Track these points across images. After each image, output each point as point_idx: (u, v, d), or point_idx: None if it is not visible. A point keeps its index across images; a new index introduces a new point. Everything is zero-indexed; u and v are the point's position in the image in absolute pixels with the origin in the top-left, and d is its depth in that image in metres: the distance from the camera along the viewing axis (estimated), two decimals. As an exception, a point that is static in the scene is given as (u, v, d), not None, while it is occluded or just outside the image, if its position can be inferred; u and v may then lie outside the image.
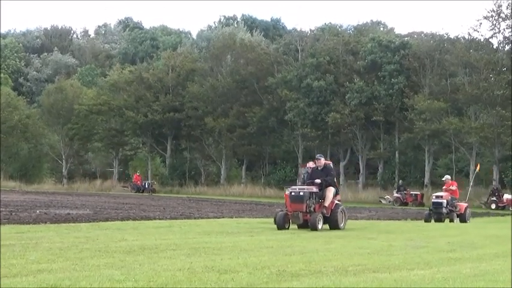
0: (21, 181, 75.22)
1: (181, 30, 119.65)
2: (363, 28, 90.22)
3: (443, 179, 34.41)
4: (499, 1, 59.56)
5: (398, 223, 30.69)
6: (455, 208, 32.61)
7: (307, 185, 22.17)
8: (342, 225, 22.11)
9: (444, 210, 32.15)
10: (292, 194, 21.81)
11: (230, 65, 74.68)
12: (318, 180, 22.11)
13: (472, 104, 60.83)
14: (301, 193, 21.69)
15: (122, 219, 25.25)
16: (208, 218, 29.43)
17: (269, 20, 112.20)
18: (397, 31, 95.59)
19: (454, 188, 33.20)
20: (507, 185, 60.48)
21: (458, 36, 64.66)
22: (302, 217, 21.55)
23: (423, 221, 31.99)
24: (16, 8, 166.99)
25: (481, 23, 60.89)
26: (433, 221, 31.94)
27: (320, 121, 65.82)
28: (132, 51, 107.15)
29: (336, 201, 22.24)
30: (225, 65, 74.82)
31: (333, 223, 21.90)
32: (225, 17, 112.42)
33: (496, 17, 59.97)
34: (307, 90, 66.03)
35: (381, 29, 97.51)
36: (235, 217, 30.79)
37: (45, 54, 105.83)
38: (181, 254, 12.97)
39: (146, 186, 68.08)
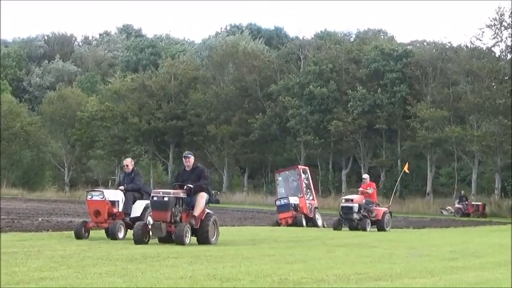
0: (23, 189, 75.19)
1: (185, 39, 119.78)
2: (364, 36, 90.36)
3: (363, 177, 30.61)
4: (501, 10, 59.77)
5: (400, 231, 30.66)
6: (371, 214, 28.37)
7: (172, 188, 18.18)
8: (213, 239, 18.04)
9: (356, 216, 27.93)
10: (155, 199, 17.64)
11: (232, 73, 74.88)
12: (189, 186, 17.95)
13: (475, 112, 60.89)
14: (166, 198, 17.53)
15: (124, 227, 25.18)
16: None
17: (272, 28, 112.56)
18: (399, 39, 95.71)
19: (371, 190, 29.02)
20: (509, 193, 60.44)
21: (461, 45, 64.88)
22: (165, 228, 17.48)
23: (332, 229, 28.26)
24: (19, 14, 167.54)
25: (483, 32, 61.19)
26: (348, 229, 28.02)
27: (322, 129, 65.90)
28: (134, 59, 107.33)
29: (207, 210, 18.31)
30: (227, 73, 75.01)
31: (202, 236, 17.91)
32: (231, 25, 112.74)
33: (499, 26, 60.15)
34: (309, 97, 66.15)
35: (382, 37, 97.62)
36: (237, 225, 30.78)
37: (46, 62, 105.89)
38: (183, 262, 12.96)
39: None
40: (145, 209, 19.15)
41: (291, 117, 66.91)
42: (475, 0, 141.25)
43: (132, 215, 19.25)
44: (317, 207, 33.70)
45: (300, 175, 33.75)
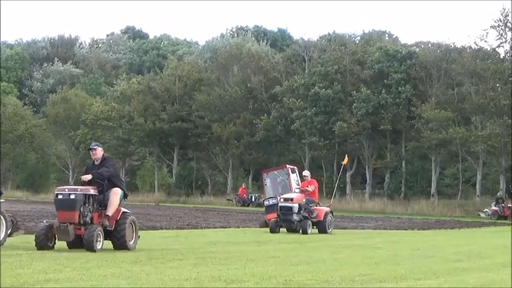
0: (28, 191, 75.26)
1: (188, 40, 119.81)
2: (369, 38, 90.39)
3: (304, 174, 27.85)
4: (505, 11, 59.69)
5: (405, 233, 30.64)
6: (312, 214, 25.86)
7: (81, 184, 15.85)
8: (131, 243, 15.83)
9: (295, 217, 25.44)
10: (60, 197, 15.32)
11: (237, 74, 74.96)
12: (87, 176, 15.66)
13: (479, 113, 60.79)
14: (72, 196, 15.21)
15: (129, 229, 25.19)
16: (215, 227, 29.45)
17: (276, 30, 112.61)
18: (403, 41, 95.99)
19: (311, 188, 26.73)
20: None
21: (465, 46, 64.78)
22: (73, 231, 15.15)
23: (269, 231, 25.68)
24: (22, 17, 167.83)
25: (487, 33, 61.03)
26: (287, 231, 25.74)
27: (327, 130, 65.86)
28: (138, 61, 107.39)
29: (124, 209, 15.92)
30: (232, 75, 75.08)
31: (118, 240, 15.62)
32: (237, 27, 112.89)
33: (503, 27, 60.03)
34: (314, 98, 66.11)
35: (386, 38, 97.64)
36: (242, 227, 30.79)
37: (46, 65, 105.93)
38: (188, 264, 12.98)
39: (253, 199, 63.45)
40: None
41: (295, 118, 66.72)
42: (480, 0, 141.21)
43: None
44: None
45: (289, 175, 33.22)
